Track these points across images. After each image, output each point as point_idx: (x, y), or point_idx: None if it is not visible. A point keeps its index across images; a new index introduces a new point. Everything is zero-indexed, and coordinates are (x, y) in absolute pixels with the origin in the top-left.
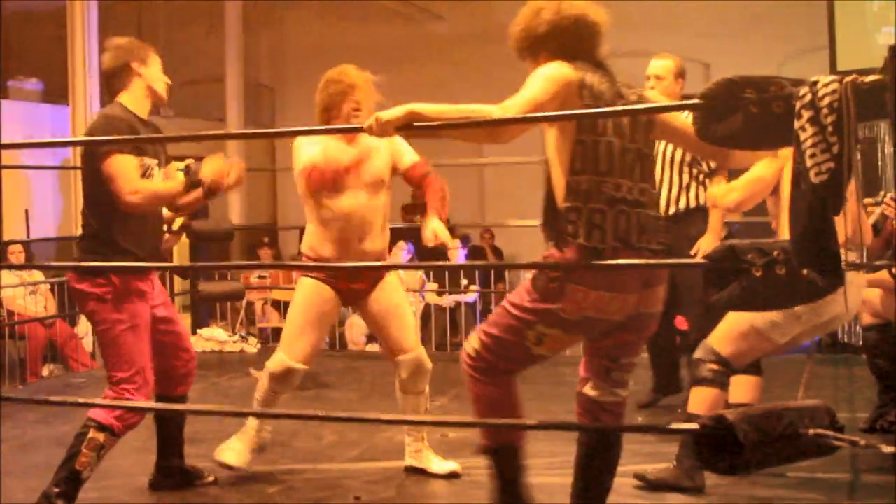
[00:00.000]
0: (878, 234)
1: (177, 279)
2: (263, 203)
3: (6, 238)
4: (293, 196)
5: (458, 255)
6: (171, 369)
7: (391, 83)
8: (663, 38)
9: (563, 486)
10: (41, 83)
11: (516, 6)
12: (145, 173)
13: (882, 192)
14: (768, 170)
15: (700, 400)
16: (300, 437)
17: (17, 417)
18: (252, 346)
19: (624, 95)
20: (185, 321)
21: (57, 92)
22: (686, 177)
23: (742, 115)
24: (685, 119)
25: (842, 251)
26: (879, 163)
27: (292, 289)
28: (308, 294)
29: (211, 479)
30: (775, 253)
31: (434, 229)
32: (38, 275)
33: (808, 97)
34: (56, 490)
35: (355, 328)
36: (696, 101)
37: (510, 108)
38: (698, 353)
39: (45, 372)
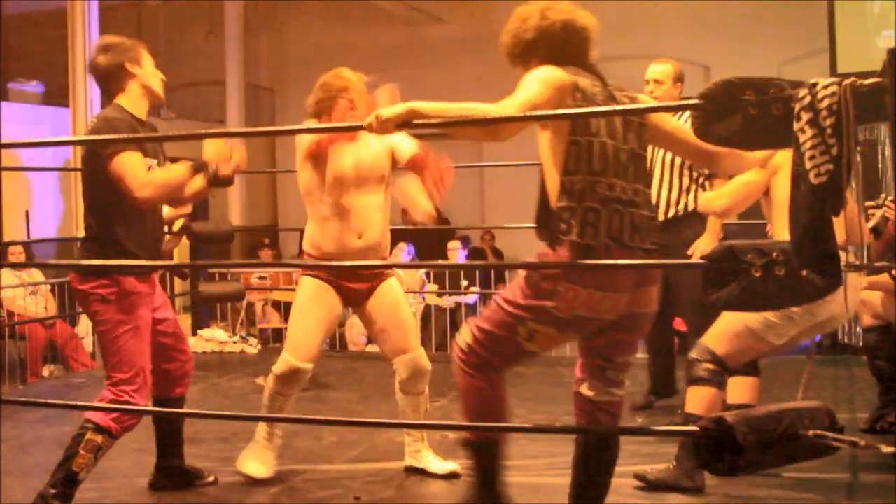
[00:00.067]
0: (880, 237)
1: (177, 280)
2: (264, 204)
3: (6, 239)
4: (293, 197)
5: (458, 257)
6: (169, 371)
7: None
8: (663, 40)
9: (563, 487)
10: (42, 85)
11: (516, 8)
12: None
13: (882, 195)
14: (756, 176)
15: (697, 400)
16: (300, 437)
17: (17, 417)
18: (252, 347)
19: (616, 98)
20: (185, 322)
21: (57, 94)
22: (686, 180)
23: (741, 116)
24: (678, 122)
25: (840, 252)
26: (880, 165)
27: (293, 290)
28: (310, 293)
29: (211, 479)
30: (774, 254)
31: (410, 193)
32: (38, 275)
33: (808, 99)
34: (52, 491)
35: (355, 329)
36: (694, 101)
37: (507, 107)
38: (693, 353)
39: (45, 372)
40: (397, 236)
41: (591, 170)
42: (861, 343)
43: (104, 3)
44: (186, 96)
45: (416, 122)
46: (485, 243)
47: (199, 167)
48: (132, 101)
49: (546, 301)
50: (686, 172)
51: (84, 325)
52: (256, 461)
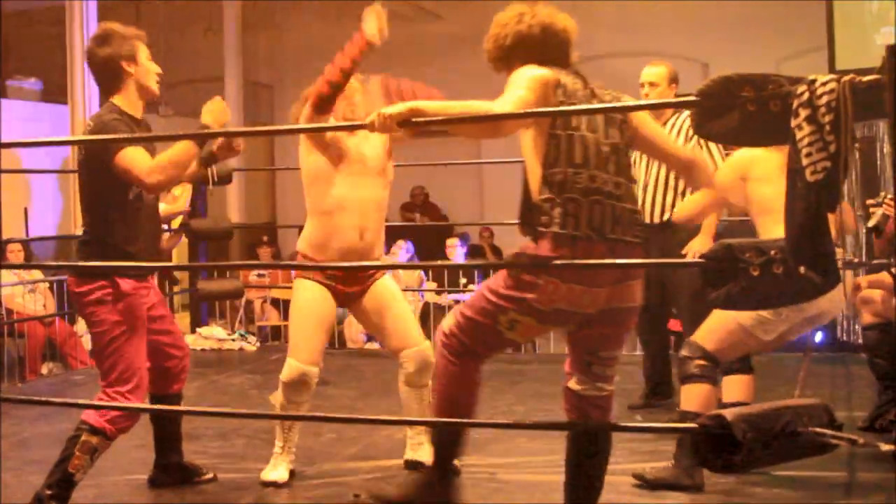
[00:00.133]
0: (880, 236)
1: (175, 277)
2: (263, 202)
3: (5, 237)
4: (292, 195)
5: (457, 254)
6: (166, 369)
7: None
8: (662, 38)
9: (561, 485)
10: (40, 82)
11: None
12: None
13: (882, 193)
14: (702, 197)
15: (692, 396)
16: (299, 434)
17: (16, 415)
18: (251, 345)
19: (597, 95)
20: (184, 320)
21: (56, 91)
22: (682, 183)
23: (739, 113)
24: (658, 128)
25: (837, 249)
26: (878, 162)
27: (291, 287)
28: (308, 296)
29: (210, 476)
30: (773, 252)
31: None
32: (37, 273)
33: (806, 96)
34: (49, 492)
35: (354, 326)
36: (693, 98)
37: (506, 104)
38: (684, 351)
39: (44, 370)
40: (396, 234)
41: (571, 162)
42: (859, 340)
43: (102, 1)
44: (185, 93)
45: (417, 119)
46: (484, 240)
47: (201, 143)
48: (128, 100)
49: (527, 293)
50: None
51: (83, 323)
52: (274, 469)
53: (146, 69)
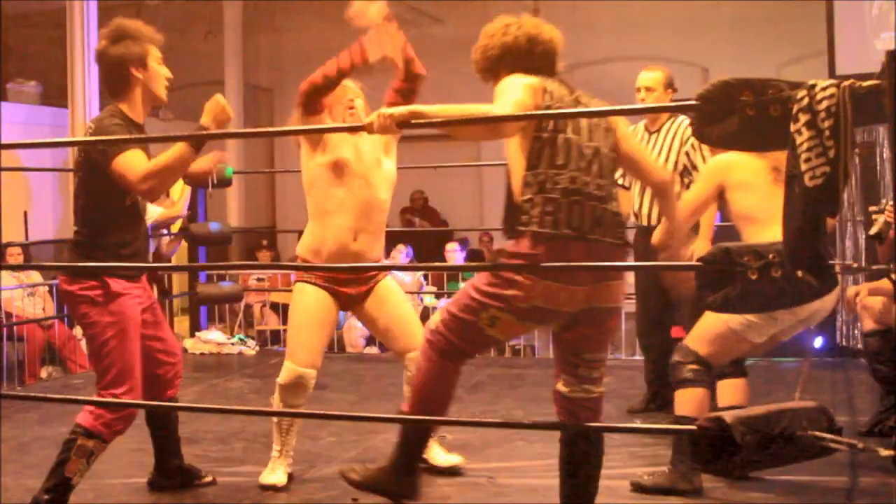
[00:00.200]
0: (882, 243)
1: (175, 281)
2: (262, 206)
3: (5, 240)
4: (292, 199)
5: (456, 258)
6: (159, 374)
7: (389, 85)
8: (662, 42)
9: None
10: (40, 85)
11: (515, 9)
12: None
13: (884, 200)
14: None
15: (686, 401)
16: (298, 437)
17: (16, 418)
18: (250, 349)
19: (582, 102)
20: (183, 323)
21: (56, 94)
22: (677, 187)
23: (738, 117)
24: (639, 146)
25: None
26: (878, 167)
27: (291, 291)
28: (306, 299)
29: (209, 478)
30: (771, 255)
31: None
32: (36, 276)
33: (806, 101)
34: (46, 497)
35: (353, 331)
36: (692, 102)
37: (505, 107)
38: (676, 356)
39: (43, 374)
40: (395, 238)
41: (553, 164)
42: (859, 346)
43: (103, 3)
44: (185, 97)
45: (417, 121)
46: (483, 245)
47: (196, 145)
48: (133, 107)
49: (506, 290)
50: (678, 179)
51: None
52: (272, 472)
53: (156, 74)
